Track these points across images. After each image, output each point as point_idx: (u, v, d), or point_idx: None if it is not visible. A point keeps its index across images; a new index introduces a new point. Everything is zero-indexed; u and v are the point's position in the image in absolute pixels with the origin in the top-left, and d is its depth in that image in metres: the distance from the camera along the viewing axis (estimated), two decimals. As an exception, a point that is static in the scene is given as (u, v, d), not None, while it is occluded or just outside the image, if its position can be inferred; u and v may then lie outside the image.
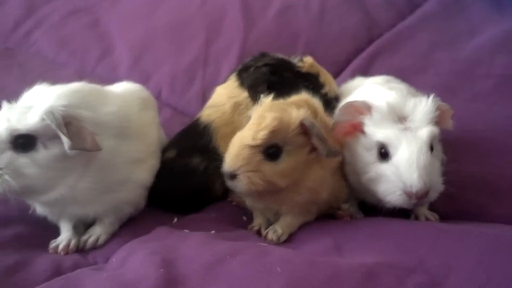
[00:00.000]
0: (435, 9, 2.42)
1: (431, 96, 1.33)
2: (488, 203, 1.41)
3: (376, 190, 1.32)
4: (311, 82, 1.57)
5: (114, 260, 1.23)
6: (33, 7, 2.49)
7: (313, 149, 1.28)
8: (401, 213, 1.37)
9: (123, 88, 1.51)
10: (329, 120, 1.38)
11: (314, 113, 1.32)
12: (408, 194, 1.25)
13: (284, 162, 1.26)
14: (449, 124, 1.38)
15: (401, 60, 2.12)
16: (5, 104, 1.28)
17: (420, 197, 1.25)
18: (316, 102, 1.39)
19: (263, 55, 1.63)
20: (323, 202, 1.34)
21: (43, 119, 1.21)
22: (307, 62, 1.59)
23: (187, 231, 1.32)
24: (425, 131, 1.27)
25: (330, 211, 1.42)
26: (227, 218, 1.46)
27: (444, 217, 1.39)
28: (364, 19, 2.33)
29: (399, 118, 1.31)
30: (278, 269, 1.08)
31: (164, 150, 1.55)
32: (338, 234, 1.26)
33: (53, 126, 1.20)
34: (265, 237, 1.32)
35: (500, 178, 1.46)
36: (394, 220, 1.32)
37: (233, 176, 1.25)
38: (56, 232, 1.35)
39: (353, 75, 1.91)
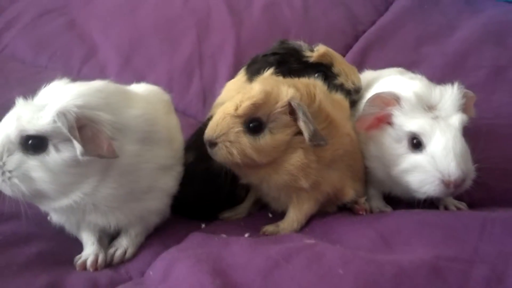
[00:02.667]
0: (409, 3, 2.46)
1: (456, 84, 1.33)
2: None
3: (410, 181, 1.30)
4: (323, 73, 1.49)
5: (151, 273, 1.13)
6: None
7: (300, 132, 1.24)
8: (428, 206, 1.35)
9: (144, 90, 1.39)
10: (332, 109, 1.33)
11: (311, 98, 1.27)
12: (446, 183, 1.24)
13: (265, 139, 1.22)
14: (472, 111, 1.37)
15: (392, 55, 2.13)
16: (19, 101, 1.15)
17: (458, 185, 1.24)
18: (320, 89, 1.33)
19: (282, 42, 1.56)
20: (310, 190, 1.28)
21: (54, 120, 1.09)
22: (318, 51, 1.50)
23: (224, 235, 1.24)
24: (457, 118, 1.27)
25: (349, 205, 1.39)
26: (253, 219, 1.41)
27: (470, 205, 1.39)
28: (348, 15, 2.34)
29: (428, 107, 1.30)
30: (340, 271, 1.03)
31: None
32: (379, 226, 1.23)
33: (64, 129, 1.08)
34: (265, 231, 1.30)
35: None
36: (433, 211, 1.30)
37: (212, 144, 1.22)
38: (79, 245, 1.24)
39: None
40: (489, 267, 1.04)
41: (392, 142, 1.33)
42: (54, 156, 1.11)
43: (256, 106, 1.20)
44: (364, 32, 2.30)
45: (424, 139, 1.27)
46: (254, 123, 1.21)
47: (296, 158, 1.24)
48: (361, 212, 1.37)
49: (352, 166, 1.36)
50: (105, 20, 2.24)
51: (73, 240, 1.26)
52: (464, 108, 1.32)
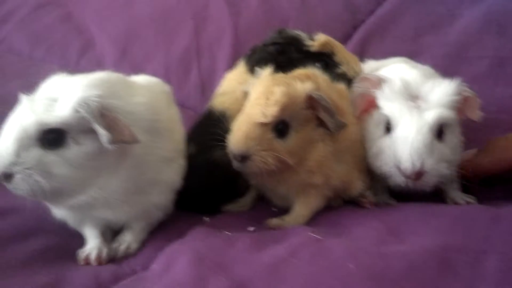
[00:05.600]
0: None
1: (455, 81, 1.29)
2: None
3: (375, 164, 1.30)
4: (324, 62, 1.47)
5: (154, 266, 1.12)
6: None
7: (319, 124, 1.23)
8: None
9: (144, 80, 1.36)
10: (337, 98, 1.32)
11: (317, 87, 1.25)
12: (399, 170, 1.23)
13: (293, 139, 1.21)
14: (476, 114, 1.30)
15: (392, 45, 2.10)
16: (24, 97, 1.10)
17: (409, 176, 1.22)
18: (321, 77, 1.33)
19: (280, 32, 1.53)
20: (319, 185, 1.27)
21: (76, 111, 1.05)
22: (318, 40, 1.48)
23: (227, 233, 1.22)
24: (433, 113, 1.23)
25: (352, 198, 1.37)
26: (258, 212, 1.39)
27: (479, 199, 1.37)
28: (346, 3, 2.30)
29: (413, 96, 1.27)
30: (348, 264, 1.01)
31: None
32: (386, 217, 1.22)
33: (89, 118, 1.05)
34: (269, 223, 1.28)
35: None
36: (440, 204, 1.29)
37: (244, 158, 1.17)
38: (81, 240, 1.21)
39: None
40: (501, 257, 1.01)
41: (373, 126, 1.33)
42: (75, 149, 1.08)
43: (282, 109, 1.17)
44: (362, 21, 2.26)
45: (393, 124, 1.26)
46: (280, 125, 1.19)
47: (318, 153, 1.23)
48: (367, 206, 1.35)
49: (358, 157, 1.35)
50: (101, 12, 2.20)
51: (75, 234, 1.23)
52: (461, 108, 1.29)
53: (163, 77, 1.94)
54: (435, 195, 1.38)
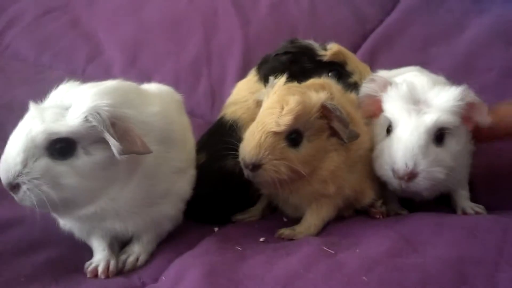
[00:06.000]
0: (416, 2, 2.43)
1: (461, 87, 1.27)
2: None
3: (375, 167, 1.29)
4: (337, 71, 1.46)
5: (164, 278, 1.10)
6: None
7: (332, 134, 1.23)
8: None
9: (155, 88, 1.33)
10: (350, 107, 1.31)
11: (332, 97, 1.25)
12: (393, 172, 1.22)
13: (305, 148, 1.20)
14: (485, 119, 1.28)
15: (400, 55, 2.09)
16: (32, 105, 1.08)
17: (401, 176, 1.21)
18: (334, 87, 1.32)
19: (292, 41, 1.52)
20: (332, 195, 1.26)
21: (87, 120, 1.03)
22: (331, 49, 1.47)
23: (239, 248, 1.19)
24: (431, 116, 1.22)
25: (362, 208, 1.36)
26: (267, 221, 1.37)
27: (486, 208, 1.36)
28: (355, 13, 2.30)
29: (417, 100, 1.26)
30: (364, 278, 1.00)
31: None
32: (399, 227, 1.20)
33: (101, 128, 1.02)
34: (280, 234, 1.26)
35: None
36: (451, 214, 1.29)
37: (256, 166, 1.16)
38: (89, 252, 1.19)
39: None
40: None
41: (379, 130, 1.33)
42: (85, 159, 1.05)
43: (296, 119, 1.16)
44: (371, 31, 2.26)
45: (393, 127, 1.26)
46: (293, 135, 1.18)
47: (331, 162, 1.23)
48: (377, 216, 1.34)
49: (370, 166, 1.33)
50: (110, 19, 2.19)
51: (82, 246, 1.21)
52: (467, 115, 1.27)
53: (173, 85, 1.95)
54: (444, 204, 1.38)
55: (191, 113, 1.88)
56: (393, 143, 1.23)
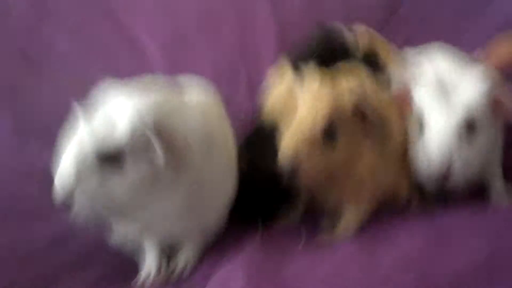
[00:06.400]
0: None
1: (491, 76, 1.28)
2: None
3: (414, 168, 1.30)
4: (372, 66, 1.44)
5: (212, 284, 1.17)
6: (45, 12, 2.32)
7: (366, 131, 1.25)
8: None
9: (195, 91, 1.37)
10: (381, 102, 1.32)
11: (363, 92, 1.26)
12: (430, 172, 1.23)
13: (342, 146, 1.22)
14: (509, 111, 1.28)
15: (430, 28, 2.04)
16: (80, 113, 1.15)
17: (438, 177, 1.22)
18: (366, 78, 1.33)
19: (320, 27, 1.57)
20: (370, 193, 1.30)
21: (134, 131, 1.10)
22: (363, 39, 1.47)
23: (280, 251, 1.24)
24: (461, 111, 1.22)
25: (399, 204, 1.38)
26: (306, 224, 1.41)
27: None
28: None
29: (445, 92, 1.26)
30: (400, 277, 1.05)
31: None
32: (433, 223, 1.23)
33: (147, 139, 1.10)
34: (321, 237, 1.30)
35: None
36: (485, 206, 1.30)
37: (295, 168, 1.19)
38: (136, 268, 1.27)
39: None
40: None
41: (413, 126, 1.32)
42: (134, 170, 1.12)
43: (330, 117, 1.19)
44: (400, 5, 2.20)
45: (424, 124, 1.26)
46: (329, 133, 1.20)
47: (367, 160, 1.25)
48: (414, 210, 1.36)
49: (404, 160, 1.35)
50: (149, 18, 2.22)
51: (131, 261, 1.29)
52: (497, 109, 1.27)
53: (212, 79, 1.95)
54: (479, 194, 1.39)
55: (232, 112, 1.90)
56: (426, 144, 1.24)
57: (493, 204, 1.36)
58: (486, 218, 1.21)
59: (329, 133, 1.20)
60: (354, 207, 1.32)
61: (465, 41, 1.91)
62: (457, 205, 1.32)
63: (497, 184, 1.39)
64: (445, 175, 1.22)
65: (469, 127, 1.23)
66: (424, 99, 1.28)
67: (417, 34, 2.05)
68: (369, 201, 1.32)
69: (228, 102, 1.45)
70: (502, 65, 1.37)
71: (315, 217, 1.42)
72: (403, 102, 1.34)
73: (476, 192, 1.37)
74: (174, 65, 2.05)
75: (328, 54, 1.46)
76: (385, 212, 1.38)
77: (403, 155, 1.34)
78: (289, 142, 1.20)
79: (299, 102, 1.26)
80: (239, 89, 1.98)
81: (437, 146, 1.22)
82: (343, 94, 1.22)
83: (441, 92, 1.26)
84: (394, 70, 1.46)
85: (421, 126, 1.28)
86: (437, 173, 1.22)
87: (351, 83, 1.27)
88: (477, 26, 2.00)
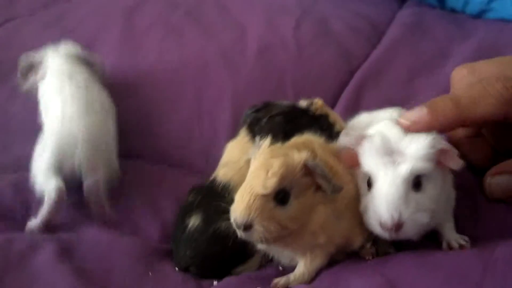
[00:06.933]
0: (400, 32, 2.50)
1: (432, 135, 1.33)
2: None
3: (364, 221, 1.35)
4: (324, 124, 1.57)
5: None
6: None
7: (317, 189, 1.29)
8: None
9: None
10: (333, 160, 1.38)
11: (314, 153, 1.32)
12: (381, 225, 1.28)
13: (293, 206, 1.26)
14: (454, 164, 1.32)
15: (386, 90, 2.16)
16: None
17: (389, 229, 1.26)
18: (316, 142, 1.41)
19: (268, 104, 1.64)
20: (324, 245, 1.33)
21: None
22: (317, 104, 1.59)
23: None
24: (406, 166, 1.27)
25: (353, 252, 1.41)
26: (264, 271, 1.45)
27: (472, 239, 1.40)
28: (341, 51, 2.36)
29: (391, 151, 1.31)
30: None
31: (187, 216, 1.49)
32: (385, 270, 1.27)
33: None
34: (276, 283, 1.33)
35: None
36: (435, 252, 1.34)
37: (247, 227, 1.23)
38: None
39: (346, 111, 1.97)
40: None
41: (361, 181, 1.38)
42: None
43: (281, 180, 1.23)
44: (358, 66, 2.32)
45: (372, 181, 1.32)
46: (281, 194, 1.25)
47: (319, 215, 1.29)
48: (367, 257, 1.40)
49: (357, 211, 1.39)
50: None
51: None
52: (439, 160, 1.31)
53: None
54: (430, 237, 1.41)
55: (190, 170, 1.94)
56: (375, 198, 1.29)
57: (444, 246, 1.39)
58: (435, 265, 1.24)
59: (281, 198, 1.25)
60: (310, 257, 1.35)
61: (418, 98, 2.00)
62: (409, 248, 1.37)
63: (448, 225, 1.42)
64: (397, 225, 1.26)
65: (416, 178, 1.29)
66: (371, 159, 1.33)
67: (374, 94, 2.14)
68: (325, 251, 1.35)
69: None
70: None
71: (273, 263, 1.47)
72: (350, 157, 1.39)
73: (430, 237, 1.39)
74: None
75: (293, 127, 1.54)
76: (343, 258, 1.42)
77: (355, 206, 1.38)
78: (241, 203, 1.25)
79: (251, 167, 1.32)
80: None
81: (385, 199, 1.27)
82: (292, 158, 1.27)
83: (386, 151, 1.31)
84: (342, 128, 1.56)
85: (368, 182, 1.34)
86: (390, 224, 1.26)
87: (301, 148, 1.33)
88: (431, 83, 2.09)
